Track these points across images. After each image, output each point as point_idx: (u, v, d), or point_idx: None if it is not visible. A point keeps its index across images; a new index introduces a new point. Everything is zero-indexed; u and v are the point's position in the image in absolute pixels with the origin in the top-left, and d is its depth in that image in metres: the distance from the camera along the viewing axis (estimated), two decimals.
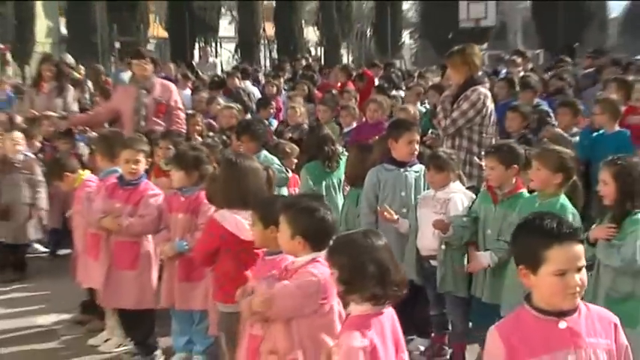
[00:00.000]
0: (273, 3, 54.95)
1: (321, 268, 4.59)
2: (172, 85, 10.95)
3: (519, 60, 17.37)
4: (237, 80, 17.77)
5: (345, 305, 4.25)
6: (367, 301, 4.00)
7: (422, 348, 7.39)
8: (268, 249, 5.21)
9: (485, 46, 40.74)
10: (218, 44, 55.69)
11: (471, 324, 7.23)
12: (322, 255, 4.61)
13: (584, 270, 3.53)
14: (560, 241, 3.49)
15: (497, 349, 3.58)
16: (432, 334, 7.38)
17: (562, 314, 3.53)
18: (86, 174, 8.42)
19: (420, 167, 7.41)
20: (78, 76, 18.12)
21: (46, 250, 11.31)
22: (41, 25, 51.98)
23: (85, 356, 7.56)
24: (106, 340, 7.76)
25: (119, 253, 7.21)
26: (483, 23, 33.43)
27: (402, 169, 7.35)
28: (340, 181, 8.48)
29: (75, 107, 13.20)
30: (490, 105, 8.48)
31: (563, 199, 6.23)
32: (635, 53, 28.90)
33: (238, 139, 8.99)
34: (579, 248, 3.53)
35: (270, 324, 4.73)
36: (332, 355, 4.10)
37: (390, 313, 4.11)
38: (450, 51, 9.14)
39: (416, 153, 7.43)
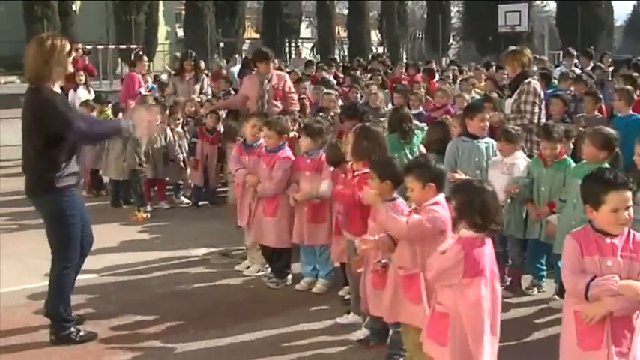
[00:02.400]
0: (346, 11, 55.18)
1: (441, 209, 4.98)
2: (285, 75, 11.34)
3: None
4: (324, 72, 18.36)
5: (457, 230, 4.58)
6: (471, 228, 4.40)
7: None
8: (384, 198, 5.54)
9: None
10: (300, 44, 56.16)
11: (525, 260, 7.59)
12: (441, 198, 5.04)
13: (631, 209, 4.12)
14: (616, 188, 4.09)
15: (573, 246, 4.20)
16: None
17: (610, 235, 4.13)
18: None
19: (488, 140, 7.69)
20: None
21: (189, 202, 11.81)
22: (162, 30, 52.80)
23: (233, 278, 7.97)
24: (247, 267, 8.16)
25: (265, 204, 7.64)
26: (518, 29, 33.44)
27: (475, 141, 7.64)
28: (412, 152, 8.42)
29: (209, 91, 13.80)
30: (541, 92, 8.78)
31: (606, 167, 6.58)
32: (637, 55, 28.67)
33: (341, 119, 9.30)
34: (628, 194, 4.11)
35: (398, 249, 5.14)
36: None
37: (490, 246, 4.51)
38: (506, 52, 9.48)
39: (486, 129, 7.77)
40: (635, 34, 64.91)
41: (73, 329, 6.22)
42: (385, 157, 6.03)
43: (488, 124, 7.77)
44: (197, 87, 13.35)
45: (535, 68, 9.84)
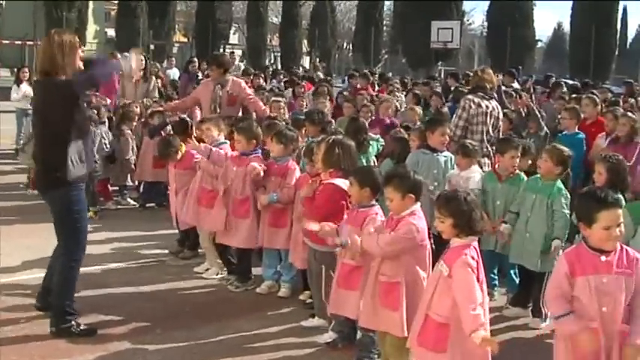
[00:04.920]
0: (275, 19, 55.47)
1: (418, 219, 5.21)
2: (241, 81, 11.24)
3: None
4: (261, 80, 18.62)
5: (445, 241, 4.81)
6: (469, 235, 4.63)
7: None
8: (361, 203, 5.78)
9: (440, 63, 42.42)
10: (230, 50, 56.09)
11: None
12: (418, 208, 5.27)
13: (622, 225, 4.33)
14: (608, 207, 4.31)
15: (562, 266, 4.39)
16: None
17: (604, 252, 4.32)
18: (183, 147, 8.95)
19: (447, 154, 7.98)
20: None
21: (135, 203, 11.81)
22: (90, 28, 51.98)
23: (193, 280, 8.04)
24: (206, 270, 8.24)
25: (236, 206, 7.69)
26: (450, 45, 34.21)
27: (435, 154, 7.92)
28: (368, 160, 8.72)
29: (155, 92, 13.76)
30: (475, 108, 8.77)
31: (559, 183, 6.96)
32: (559, 75, 29.79)
33: (301, 126, 9.39)
34: (619, 211, 4.33)
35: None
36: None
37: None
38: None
39: (446, 142, 8.05)
40: (555, 56, 67.70)
41: (73, 322, 6.34)
42: (365, 165, 6.23)
43: (448, 138, 8.05)
44: (150, 87, 13.29)
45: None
